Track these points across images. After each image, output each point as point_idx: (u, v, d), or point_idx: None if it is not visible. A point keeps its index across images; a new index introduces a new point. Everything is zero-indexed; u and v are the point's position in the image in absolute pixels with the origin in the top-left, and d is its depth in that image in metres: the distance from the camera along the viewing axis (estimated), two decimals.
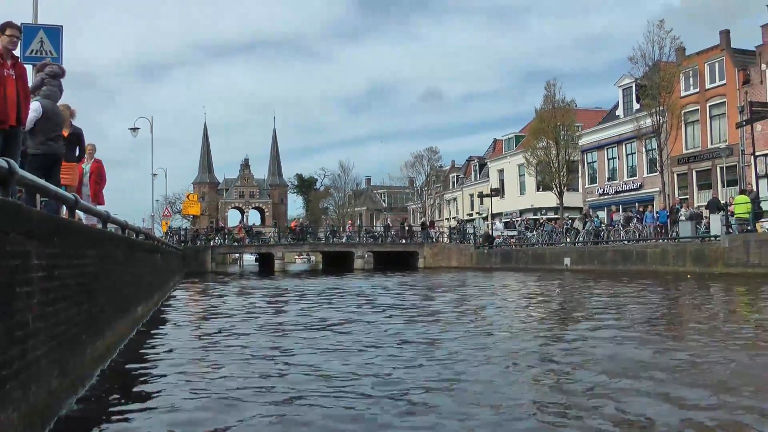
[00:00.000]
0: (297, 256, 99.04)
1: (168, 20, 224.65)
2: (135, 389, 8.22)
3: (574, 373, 8.60)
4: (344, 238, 65.74)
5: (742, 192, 34.76)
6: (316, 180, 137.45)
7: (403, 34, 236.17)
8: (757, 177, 41.10)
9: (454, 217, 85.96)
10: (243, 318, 16.89)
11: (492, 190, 70.85)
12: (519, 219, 60.00)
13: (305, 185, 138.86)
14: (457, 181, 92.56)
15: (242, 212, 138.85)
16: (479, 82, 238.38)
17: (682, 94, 48.37)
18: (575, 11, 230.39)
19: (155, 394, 7.90)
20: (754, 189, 37.99)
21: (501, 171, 76.87)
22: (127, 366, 9.78)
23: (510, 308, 19.16)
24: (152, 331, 13.91)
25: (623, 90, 55.32)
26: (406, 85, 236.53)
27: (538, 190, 66.43)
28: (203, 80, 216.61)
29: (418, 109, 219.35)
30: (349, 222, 76.95)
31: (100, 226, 11.22)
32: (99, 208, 11.80)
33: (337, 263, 63.87)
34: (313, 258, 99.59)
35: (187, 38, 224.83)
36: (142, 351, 11.16)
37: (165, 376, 9.11)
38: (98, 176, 14.97)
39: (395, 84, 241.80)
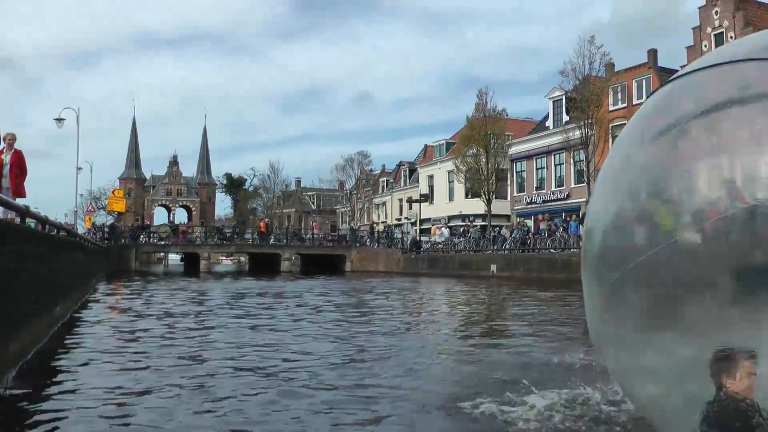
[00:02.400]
0: (225, 257, 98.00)
1: (100, 7, 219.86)
2: (47, 392, 7.96)
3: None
4: (271, 239, 65.34)
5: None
6: (246, 180, 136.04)
7: (339, 36, 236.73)
8: None
9: (382, 222, 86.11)
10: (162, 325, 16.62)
11: (421, 195, 71.15)
12: (468, 225, 59.87)
13: (234, 185, 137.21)
14: (386, 186, 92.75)
15: (169, 210, 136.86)
16: (413, 87, 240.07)
17: (611, 108, 49.35)
18: (510, 22, 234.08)
19: (68, 397, 7.68)
20: None
21: (431, 177, 77.26)
22: (43, 366, 9.55)
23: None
24: (71, 331, 13.59)
25: (553, 102, 56.17)
26: (340, 87, 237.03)
27: (466, 197, 66.96)
28: (133, 72, 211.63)
29: (351, 112, 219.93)
30: (261, 223, 75.76)
31: (18, 220, 10.81)
32: (20, 201, 11.40)
33: (264, 265, 63.39)
34: (242, 259, 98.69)
35: (119, 27, 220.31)
36: (60, 351, 10.89)
37: (79, 376, 8.94)
38: (19, 168, 14.53)
39: (329, 85, 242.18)
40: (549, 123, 56.56)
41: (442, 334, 14.02)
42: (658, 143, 4.99)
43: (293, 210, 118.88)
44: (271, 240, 65.47)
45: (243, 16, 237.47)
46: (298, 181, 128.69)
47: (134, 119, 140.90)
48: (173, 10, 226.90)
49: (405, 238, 61.44)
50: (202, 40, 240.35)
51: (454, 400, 7.14)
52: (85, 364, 9.93)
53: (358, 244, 63.74)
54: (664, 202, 4.71)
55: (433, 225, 67.05)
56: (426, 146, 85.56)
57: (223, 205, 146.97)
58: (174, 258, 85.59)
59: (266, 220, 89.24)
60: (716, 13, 46.70)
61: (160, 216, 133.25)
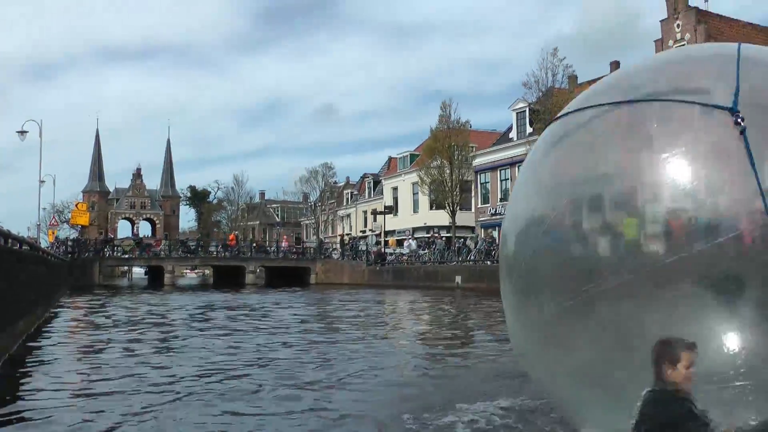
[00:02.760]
0: (189, 270, 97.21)
1: (63, 18, 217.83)
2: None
3: None
4: (236, 252, 65.13)
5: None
6: (210, 192, 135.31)
7: (302, 49, 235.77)
8: None
9: (347, 234, 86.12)
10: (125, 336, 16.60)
11: (385, 207, 71.28)
12: (435, 236, 59.71)
13: (198, 197, 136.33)
14: (351, 198, 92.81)
15: (133, 223, 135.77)
16: (376, 99, 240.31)
17: None
18: (474, 33, 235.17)
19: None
20: None
21: (395, 189, 77.48)
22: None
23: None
24: (32, 345, 13.57)
25: (517, 113, 56.53)
26: (303, 100, 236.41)
27: (431, 208, 67.09)
28: (97, 84, 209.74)
29: (315, 124, 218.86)
30: (231, 237, 75.66)
31: None
32: None
33: (228, 277, 63.05)
34: (207, 272, 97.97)
35: (82, 39, 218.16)
36: (24, 364, 10.88)
37: (41, 390, 8.98)
38: None
39: (292, 98, 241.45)
40: (513, 134, 56.90)
41: (403, 346, 14.18)
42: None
43: (258, 222, 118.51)
44: (236, 253, 65.25)
45: (206, 29, 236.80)
46: (263, 194, 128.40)
47: (97, 131, 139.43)
48: (136, 22, 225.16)
49: (370, 249, 61.53)
50: (165, 52, 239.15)
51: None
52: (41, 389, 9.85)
53: (323, 257, 63.70)
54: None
55: (390, 238, 67.44)
56: (390, 158, 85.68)
57: (187, 218, 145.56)
58: (138, 271, 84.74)
59: (236, 232, 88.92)
60: (678, 26, 47.46)
61: (123, 229, 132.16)
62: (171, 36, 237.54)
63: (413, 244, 57.39)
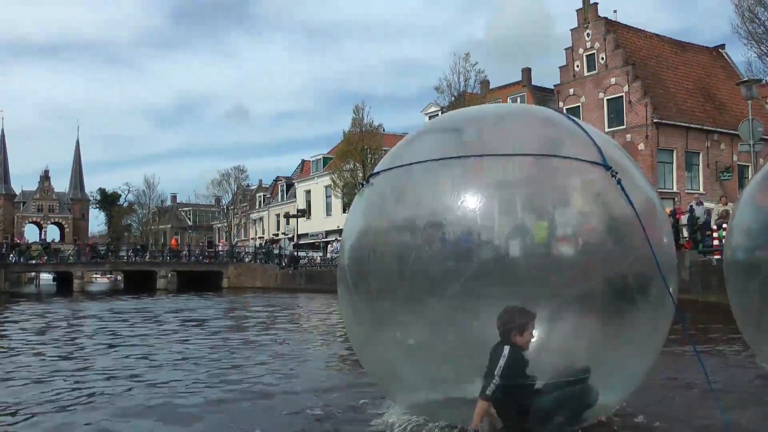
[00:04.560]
0: (100, 275, 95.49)
1: None
2: None
3: None
4: (147, 257, 64.73)
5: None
6: (120, 195, 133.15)
7: (217, 48, 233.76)
8: None
9: (260, 237, 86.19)
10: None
11: (298, 210, 71.64)
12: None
13: (108, 200, 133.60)
14: (263, 201, 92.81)
15: (41, 227, 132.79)
16: (290, 101, 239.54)
17: None
18: (388, 36, 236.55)
19: None
20: None
21: (308, 192, 77.99)
22: None
23: None
24: None
25: (429, 117, 57.27)
26: (217, 100, 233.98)
27: (344, 211, 67.53)
28: (1, 81, 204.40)
29: (227, 126, 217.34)
30: (174, 240, 75.44)
31: None
32: None
33: (139, 283, 62.54)
34: (119, 277, 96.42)
35: None
36: None
37: None
38: None
39: (206, 98, 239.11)
40: None
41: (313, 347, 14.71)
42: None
43: (169, 226, 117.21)
44: (147, 257, 64.85)
45: (117, 25, 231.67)
46: (174, 197, 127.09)
47: (2, 131, 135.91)
48: (43, 17, 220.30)
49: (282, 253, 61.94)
50: (74, 49, 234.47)
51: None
52: None
53: (235, 260, 63.80)
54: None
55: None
56: (303, 161, 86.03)
57: (97, 222, 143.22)
58: (46, 277, 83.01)
59: (176, 237, 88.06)
60: (588, 35, 49.29)
61: (31, 234, 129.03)
62: (81, 32, 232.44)
63: (337, 246, 57.84)
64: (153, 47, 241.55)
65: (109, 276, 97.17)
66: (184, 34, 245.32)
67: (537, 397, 5.68)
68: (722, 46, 57.46)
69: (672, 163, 46.94)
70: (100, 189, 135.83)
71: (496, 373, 5.48)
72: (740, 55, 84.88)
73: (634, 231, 5.74)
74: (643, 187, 6.39)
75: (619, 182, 5.71)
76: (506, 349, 5.55)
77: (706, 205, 29.73)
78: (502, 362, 5.49)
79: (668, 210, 33.55)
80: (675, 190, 46.53)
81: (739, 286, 9.33)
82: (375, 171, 6.56)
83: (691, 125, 47.23)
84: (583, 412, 5.85)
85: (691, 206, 29.56)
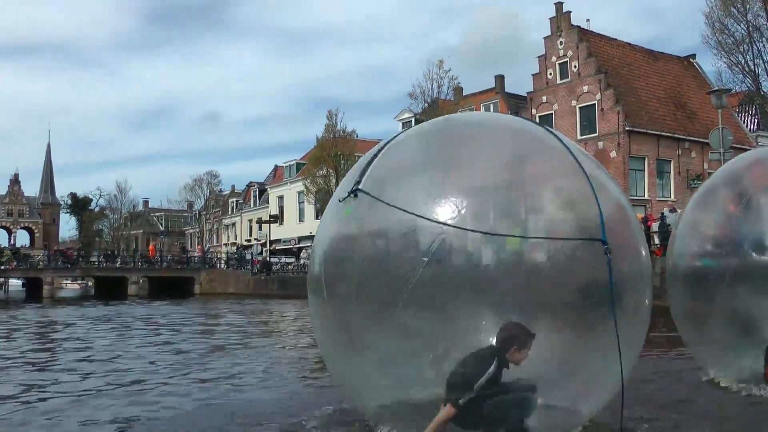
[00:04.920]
0: (71, 281, 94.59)
1: None
2: None
3: None
4: (118, 262, 64.26)
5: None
6: (92, 200, 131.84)
7: (191, 53, 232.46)
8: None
9: (233, 243, 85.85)
10: None
11: (271, 216, 71.53)
12: None
13: (79, 205, 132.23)
14: (236, 207, 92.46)
15: (10, 232, 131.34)
16: (265, 106, 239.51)
17: None
18: (363, 42, 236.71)
19: None
20: None
21: (281, 197, 77.79)
22: None
23: None
24: None
25: (403, 124, 57.35)
26: (191, 105, 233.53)
27: (317, 217, 67.42)
28: None
29: (201, 131, 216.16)
30: (151, 247, 75.17)
31: None
32: None
33: (111, 289, 62.00)
34: (90, 283, 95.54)
35: None
36: None
37: None
38: None
39: (179, 103, 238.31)
40: None
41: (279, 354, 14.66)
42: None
43: (141, 231, 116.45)
44: (118, 263, 64.41)
45: (90, 27, 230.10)
46: (146, 202, 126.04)
47: None
48: (13, 17, 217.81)
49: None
50: (46, 50, 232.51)
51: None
52: None
53: (207, 266, 63.47)
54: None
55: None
56: (276, 167, 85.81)
57: (68, 227, 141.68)
58: (15, 283, 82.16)
59: (154, 244, 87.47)
60: (561, 43, 49.56)
61: None
62: (52, 33, 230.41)
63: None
64: (127, 50, 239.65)
65: (80, 282, 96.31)
66: (159, 38, 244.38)
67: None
68: (693, 55, 57.98)
69: (644, 170, 47.26)
70: (71, 193, 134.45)
71: (475, 387, 5.44)
72: (710, 64, 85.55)
73: (620, 233, 5.89)
74: (615, 196, 6.41)
75: (609, 260, 5.59)
76: (494, 363, 5.51)
77: (679, 212, 29.98)
78: (485, 377, 5.46)
79: (640, 217, 34.03)
80: (647, 197, 46.87)
81: (679, 293, 9.55)
82: (361, 189, 6.40)
83: (663, 133, 47.58)
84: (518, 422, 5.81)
85: (663, 213, 29.79)
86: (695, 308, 9.25)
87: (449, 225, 5.65)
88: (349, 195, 6.24)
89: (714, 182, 9.86)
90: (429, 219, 5.69)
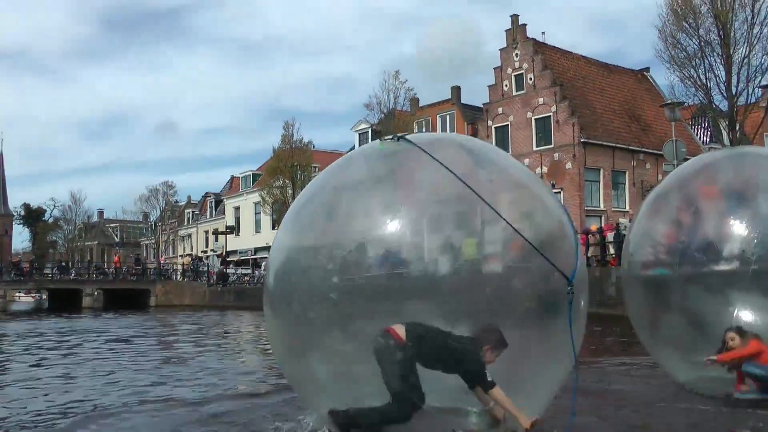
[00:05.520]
0: (24, 293, 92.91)
1: None
2: None
3: None
4: (72, 274, 63.39)
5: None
6: (45, 211, 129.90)
7: (146, 61, 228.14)
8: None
9: (188, 254, 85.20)
10: None
11: (227, 227, 71.19)
12: None
13: (33, 216, 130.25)
14: (192, 218, 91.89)
15: None
16: (221, 116, 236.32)
17: None
18: (320, 52, 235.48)
19: None
20: None
21: (237, 208, 77.51)
22: None
23: None
24: None
25: (359, 135, 57.77)
26: (146, 114, 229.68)
27: (273, 228, 67.27)
28: None
29: (157, 140, 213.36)
30: (116, 258, 74.56)
31: None
32: None
33: (65, 301, 61.10)
34: (44, 296, 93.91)
35: None
36: None
37: None
38: None
39: (134, 112, 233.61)
40: None
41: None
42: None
43: (96, 243, 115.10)
44: (72, 274, 63.55)
45: (43, 33, 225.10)
46: (101, 213, 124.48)
47: None
48: None
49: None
50: None
51: None
52: None
53: (163, 278, 62.88)
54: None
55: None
56: (232, 177, 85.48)
57: (21, 238, 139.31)
58: None
59: (119, 255, 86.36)
60: (516, 55, 50.01)
61: None
62: (3, 40, 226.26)
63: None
64: (81, 57, 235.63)
65: (33, 295, 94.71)
66: (113, 45, 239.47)
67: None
68: (647, 69, 58.75)
69: (599, 181, 47.79)
70: (24, 204, 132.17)
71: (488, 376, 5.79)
72: (664, 78, 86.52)
73: (559, 249, 6.10)
74: (554, 211, 6.66)
75: (570, 301, 5.80)
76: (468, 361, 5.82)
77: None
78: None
79: (594, 227, 34.42)
80: (602, 207, 47.41)
81: (635, 296, 9.89)
82: (407, 138, 6.46)
83: (618, 145, 48.14)
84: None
85: (618, 224, 30.14)
86: (651, 311, 9.58)
87: (404, 234, 5.74)
88: (393, 138, 6.38)
89: (665, 187, 10.14)
90: (383, 228, 5.76)
